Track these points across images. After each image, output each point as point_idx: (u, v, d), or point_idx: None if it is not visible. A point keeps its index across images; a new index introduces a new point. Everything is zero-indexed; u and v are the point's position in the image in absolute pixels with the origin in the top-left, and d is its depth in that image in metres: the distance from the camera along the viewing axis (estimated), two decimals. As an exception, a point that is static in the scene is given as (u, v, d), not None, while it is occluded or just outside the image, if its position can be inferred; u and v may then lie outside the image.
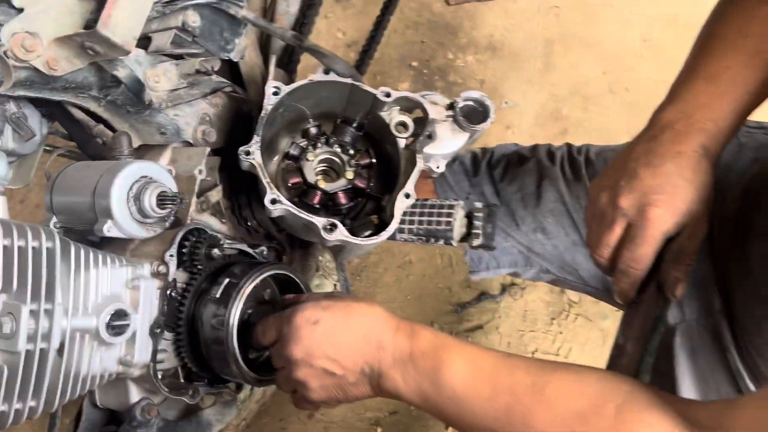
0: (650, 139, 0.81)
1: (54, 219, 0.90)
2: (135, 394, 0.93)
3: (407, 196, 0.90)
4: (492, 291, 1.79)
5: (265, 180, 0.87)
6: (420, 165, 0.92)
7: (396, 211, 0.89)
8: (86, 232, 0.90)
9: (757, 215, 0.88)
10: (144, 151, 0.96)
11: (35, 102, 0.89)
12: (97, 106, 0.90)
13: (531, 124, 2.00)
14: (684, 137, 0.78)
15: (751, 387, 0.91)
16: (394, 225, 0.88)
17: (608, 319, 1.79)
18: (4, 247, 0.72)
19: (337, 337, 0.79)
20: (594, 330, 1.80)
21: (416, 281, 1.78)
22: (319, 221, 0.87)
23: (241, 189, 1.00)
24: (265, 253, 1.03)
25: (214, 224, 0.97)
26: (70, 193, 0.88)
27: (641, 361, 0.77)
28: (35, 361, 0.74)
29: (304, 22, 1.11)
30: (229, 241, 0.97)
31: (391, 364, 0.77)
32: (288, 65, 1.07)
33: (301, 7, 1.14)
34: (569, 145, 1.33)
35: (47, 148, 0.97)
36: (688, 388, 0.99)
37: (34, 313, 0.74)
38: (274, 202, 0.86)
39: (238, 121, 1.03)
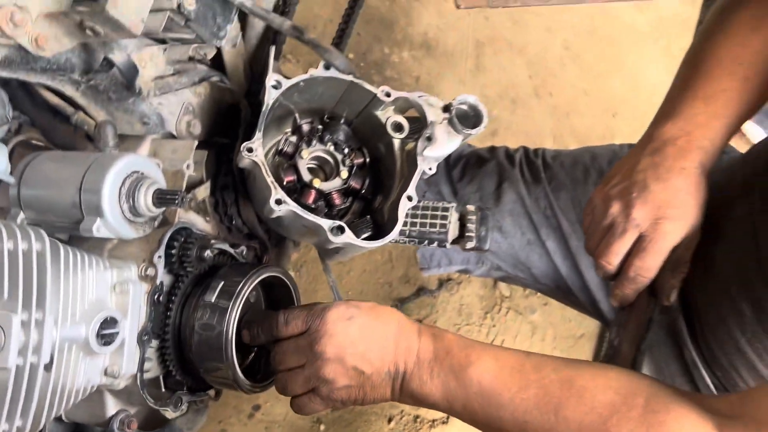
0: (654, 153, 0.86)
1: (21, 215, 0.80)
2: (111, 406, 0.86)
3: (410, 198, 0.90)
4: (430, 286, 1.83)
5: (269, 179, 0.83)
6: (421, 167, 0.91)
7: (399, 213, 0.88)
8: (55, 230, 0.81)
9: (723, 221, 0.97)
10: (121, 141, 0.88)
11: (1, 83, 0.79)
12: (75, 91, 0.81)
13: (464, 123, 2.06)
14: (687, 154, 0.84)
15: (706, 377, 1.01)
16: (398, 227, 0.88)
17: (536, 313, 1.90)
18: (-6, 250, 0.63)
19: (370, 336, 0.79)
20: (524, 323, 1.90)
21: (357, 277, 1.78)
22: (326, 223, 0.84)
23: (226, 185, 0.95)
24: (244, 253, 0.98)
25: (199, 223, 0.91)
26: (45, 187, 0.79)
27: (635, 360, 0.83)
28: (25, 377, 0.66)
29: (286, 8, 1.07)
30: (214, 241, 0.91)
31: (417, 365, 0.78)
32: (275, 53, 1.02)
33: (280, -5, 1.09)
34: (526, 148, 1.38)
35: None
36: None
37: (24, 324, 0.66)
38: (279, 202, 0.83)
39: (222, 112, 0.97)
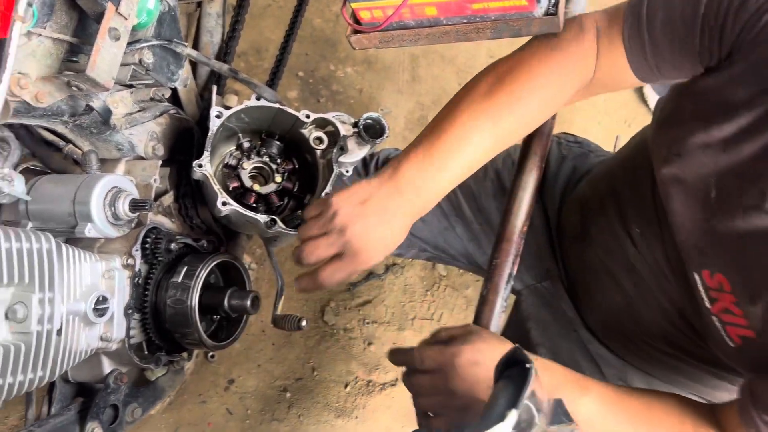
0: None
1: (30, 224, 1.06)
2: (107, 366, 1.12)
3: (328, 195, 1.17)
4: (378, 271, 2.10)
5: (216, 187, 1.10)
6: (336, 171, 1.19)
7: (320, 207, 1.16)
8: (57, 234, 1.07)
9: (593, 227, 1.21)
10: (102, 164, 1.14)
11: (9, 126, 1.05)
12: (65, 128, 1.07)
13: (402, 128, 2.34)
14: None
15: (584, 333, 1.30)
16: (319, 218, 1.15)
17: (470, 288, 2.18)
18: (17, 249, 0.90)
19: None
20: (459, 298, 2.17)
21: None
22: (261, 218, 1.11)
23: (185, 193, 1.21)
24: (205, 245, 1.25)
25: (166, 223, 1.18)
26: (47, 202, 1.05)
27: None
28: (43, 340, 0.92)
29: (227, 51, 1.34)
30: (179, 237, 1.18)
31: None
32: (217, 89, 1.29)
33: (223, 38, 1.36)
34: None
35: None
36: (536, 336, 1.37)
37: (41, 301, 0.92)
38: (224, 204, 1.10)
39: (180, 136, 1.23)
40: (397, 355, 1.05)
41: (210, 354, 1.42)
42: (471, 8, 1.03)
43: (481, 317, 1.12)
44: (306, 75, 2.27)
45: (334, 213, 0.98)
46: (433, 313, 2.11)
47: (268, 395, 1.87)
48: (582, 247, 1.28)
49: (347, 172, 1.23)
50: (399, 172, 1.01)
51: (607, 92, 1.08)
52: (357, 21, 1.14)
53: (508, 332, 1.50)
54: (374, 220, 0.98)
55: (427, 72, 2.45)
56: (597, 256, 1.23)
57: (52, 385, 1.14)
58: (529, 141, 1.20)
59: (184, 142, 1.24)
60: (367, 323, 2.04)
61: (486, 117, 1.00)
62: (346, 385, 1.95)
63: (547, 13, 1.02)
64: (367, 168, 1.67)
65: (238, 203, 1.14)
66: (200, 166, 1.10)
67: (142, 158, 1.17)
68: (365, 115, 1.23)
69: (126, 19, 0.96)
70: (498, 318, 1.11)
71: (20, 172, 1.12)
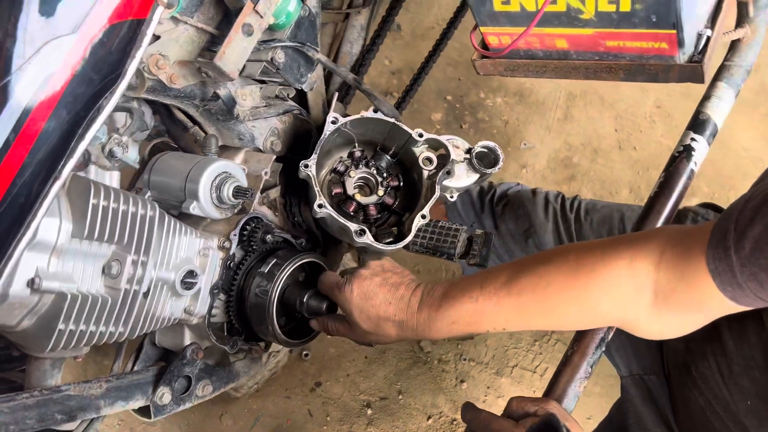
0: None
1: (149, 193, 1.16)
2: (188, 338, 1.18)
3: (423, 216, 1.14)
4: (486, 308, 2.01)
5: (316, 188, 1.12)
6: (437, 194, 1.15)
7: (413, 227, 1.13)
8: (171, 207, 1.15)
9: (695, 370, 1.09)
10: (223, 150, 1.22)
11: (149, 102, 1.15)
12: (195, 111, 1.15)
13: (543, 167, 2.23)
14: None
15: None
16: (409, 238, 1.13)
17: (584, 348, 2.01)
18: (123, 211, 0.98)
19: None
20: (570, 356, 2.02)
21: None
22: (352, 226, 1.11)
23: (293, 190, 1.25)
24: (303, 244, 1.27)
25: (269, 215, 1.22)
26: (165, 175, 1.13)
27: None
28: (129, 299, 0.99)
29: (362, 63, 1.36)
30: (278, 231, 1.22)
31: None
32: (345, 98, 1.32)
33: (362, 50, 1.39)
34: (563, 200, 1.53)
35: (143, 134, 1.23)
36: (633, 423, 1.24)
37: (134, 263, 0.99)
38: (320, 206, 1.11)
39: (300, 136, 1.28)
40: (467, 412, 1.00)
41: (304, 353, 1.45)
42: (604, 45, 0.95)
43: (559, 379, 1.02)
44: (454, 99, 2.26)
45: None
46: (537, 365, 1.97)
47: (350, 407, 1.87)
48: (685, 378, 1.14)
49: (451, 197, 1.19)
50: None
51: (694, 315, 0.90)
52: (485, 46, 1.10)
53: (611, 412, 1.38)
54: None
55: (581, 113, 2.32)
56: (698, 401, 1.10)
57: (141, 346, 1.22)
58: (652, 203, 1.09)
59: (303, 142, 1.28)
60: (464, 360, 1.96)
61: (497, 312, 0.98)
62: (428, 417, 1.88)
63: (690, 60, 0.91)
64: (482, 200, 1.61)
65: (336, 209, 1.15)
66: (306, 166, 1.12)
67: (260, 151, 1.23)
68: (481, 143, 1.19)
69: (261, 17, 1.02)
70: (578, 385, 1.01)
71: (154, 145, 1.24)
